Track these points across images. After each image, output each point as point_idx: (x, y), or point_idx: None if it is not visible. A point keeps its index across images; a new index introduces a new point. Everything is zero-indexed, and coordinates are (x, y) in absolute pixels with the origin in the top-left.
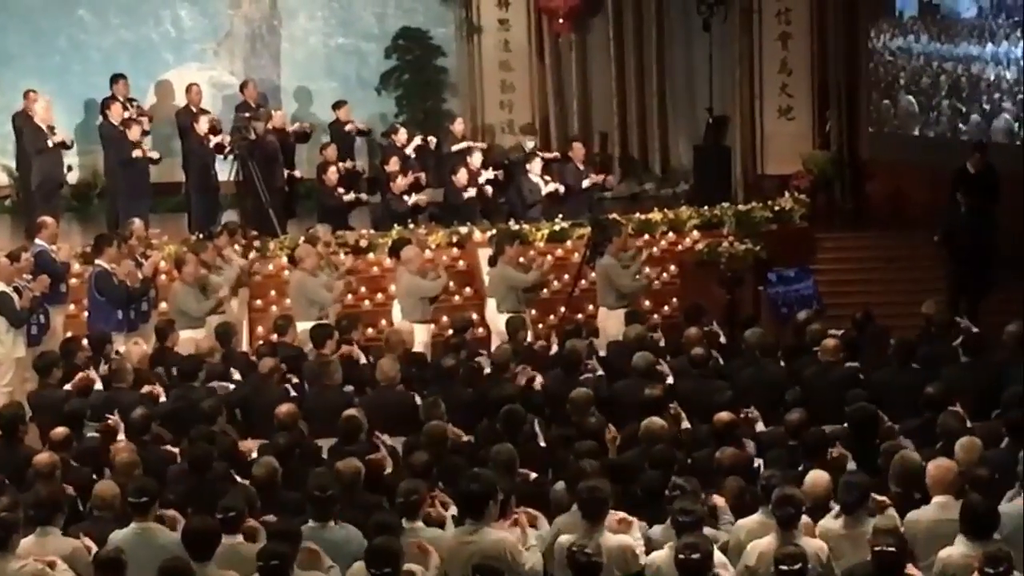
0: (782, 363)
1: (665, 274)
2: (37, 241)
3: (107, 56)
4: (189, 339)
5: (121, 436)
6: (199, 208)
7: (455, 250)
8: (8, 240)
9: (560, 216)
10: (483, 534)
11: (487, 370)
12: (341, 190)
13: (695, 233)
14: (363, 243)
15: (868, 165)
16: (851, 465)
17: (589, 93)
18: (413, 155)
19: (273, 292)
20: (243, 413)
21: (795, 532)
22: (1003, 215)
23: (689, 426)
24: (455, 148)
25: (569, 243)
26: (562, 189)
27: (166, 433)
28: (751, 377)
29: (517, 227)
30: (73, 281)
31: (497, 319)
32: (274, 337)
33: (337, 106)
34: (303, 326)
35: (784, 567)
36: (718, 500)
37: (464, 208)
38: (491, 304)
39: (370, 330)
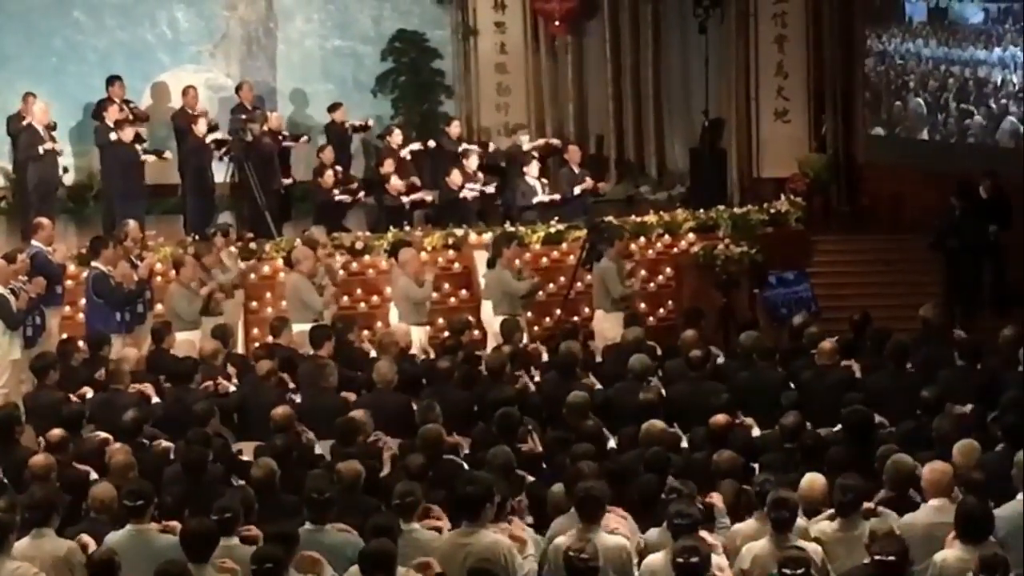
0: (779, 366)
1: (661, 277)
2: (33, 243)
3: (103, 58)
4: (185, 341)
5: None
6: (195, 210)
7: (451, 252)
8: (4, 242)
9: (556, 219)
10: (479, 536)
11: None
12: (337, 192)
13: (691, 236)
14: (359, 245)
15: (864, 168)
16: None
17: (585, 96)
18: (409, 158)
19: (269, 294)
20: (239, 415)
21: (790, 535)
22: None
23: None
24: (457, 148)
25: (565, 245)
26: (558, 197)
27: (161, 435)
28: (747, 380)
29: (513, 229)
30: (69, 283)
31: (493, 321)
32: (269, 339)
33: (333, 108)
34: (299, 328)
35: (788, 571)
36: (716, 499)
37: (460, 210)
38: (487, 306)
39: (366, 332)
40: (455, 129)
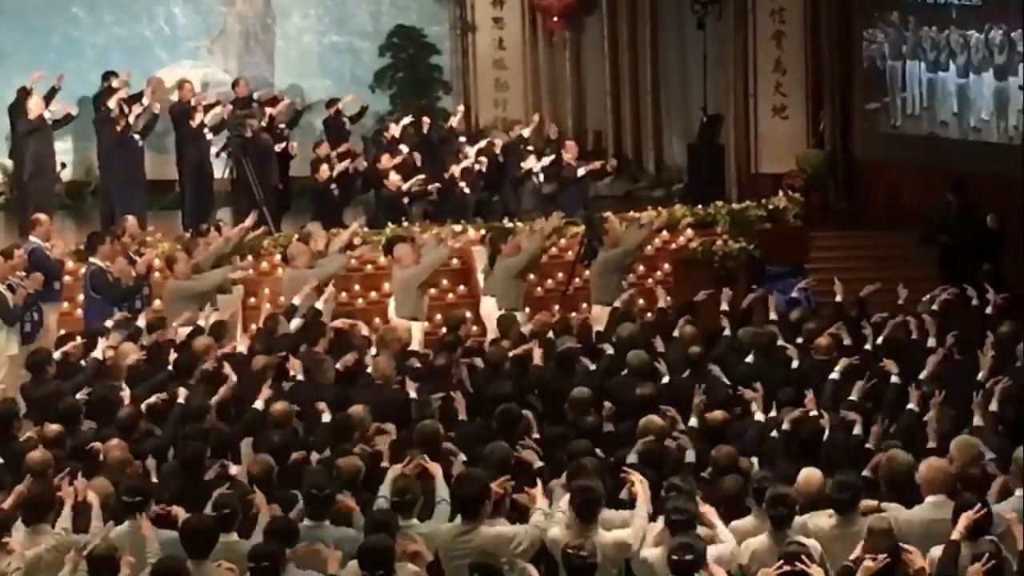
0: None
1: (659, 272)
2: (31, 238)
3: (101, 53)
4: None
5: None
6: (193, 205)
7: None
8: (2, 238)
9: (554, 214)
10: (477, 533)
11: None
12: (334, 187)
13: (689, 232)
14: (357, 241)
15: (862, 164)
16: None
17: (583, 91)
18: (405, 149)
19: (267, 290)
20: (236, 411)
21: (788, 532)
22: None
23: (683, 427)
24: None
25: (563, 241)
26: (554, 188)
27: (157, 429)
28: (746, 375)
29: (511, 225)
30: (67, 279)
31: (493, 317)
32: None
33: (330, 104)
34: (296, 324)
35: (788, 567)
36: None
37: (458, 205)
38: (486, 302)
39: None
40: (454, 123)
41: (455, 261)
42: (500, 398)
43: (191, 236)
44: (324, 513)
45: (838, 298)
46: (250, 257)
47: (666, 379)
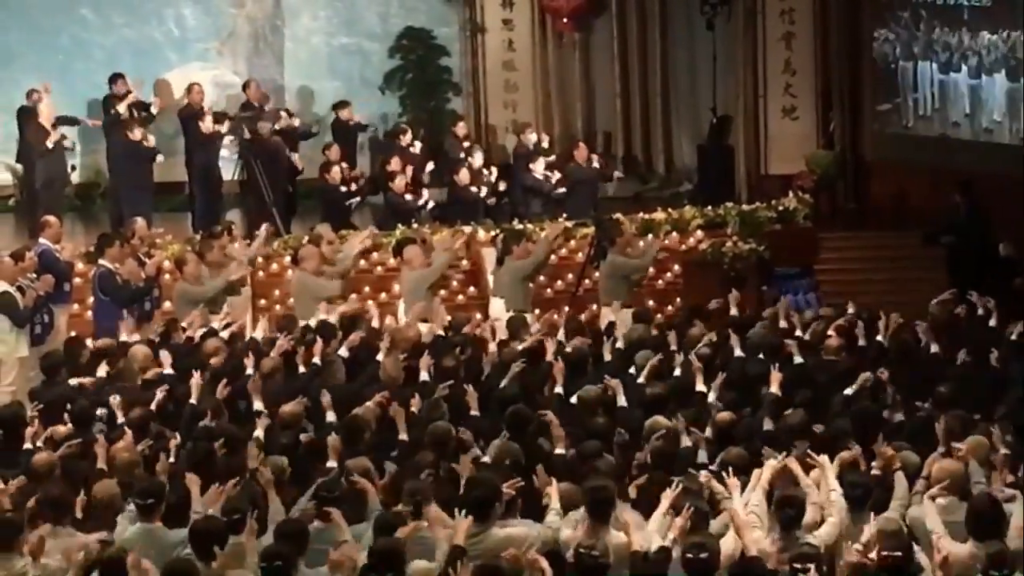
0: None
1: (668, 274)
2: (41, 240)
3: (110, 55)
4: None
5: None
6: (202, 207)
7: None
8: (12, 239)
9: (564, 215)
10: (488, 536)
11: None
12: (344, 189)
13: (699, 233)
14: (366, 243)
15: (871, 165)
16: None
17: (593, 93)
18: (418, 154)
19: (277, 292)
20: (247, 409)
21: (796, 533)
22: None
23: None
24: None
25: (573, 243)
26: (564, 190)
27: (167, 431)
28: (756, 376)
29: (521, 226)
30: (77, 280)
31: (503, 318)
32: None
33: (340, 106)
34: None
35: (798, 566)
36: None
37: (468, 208)
38: (495, 304)
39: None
40: (462, 129)
41: (465, 262)
42: (509, 399)
43: (203, 238)
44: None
45: (850, 309)
46: (260, 259)
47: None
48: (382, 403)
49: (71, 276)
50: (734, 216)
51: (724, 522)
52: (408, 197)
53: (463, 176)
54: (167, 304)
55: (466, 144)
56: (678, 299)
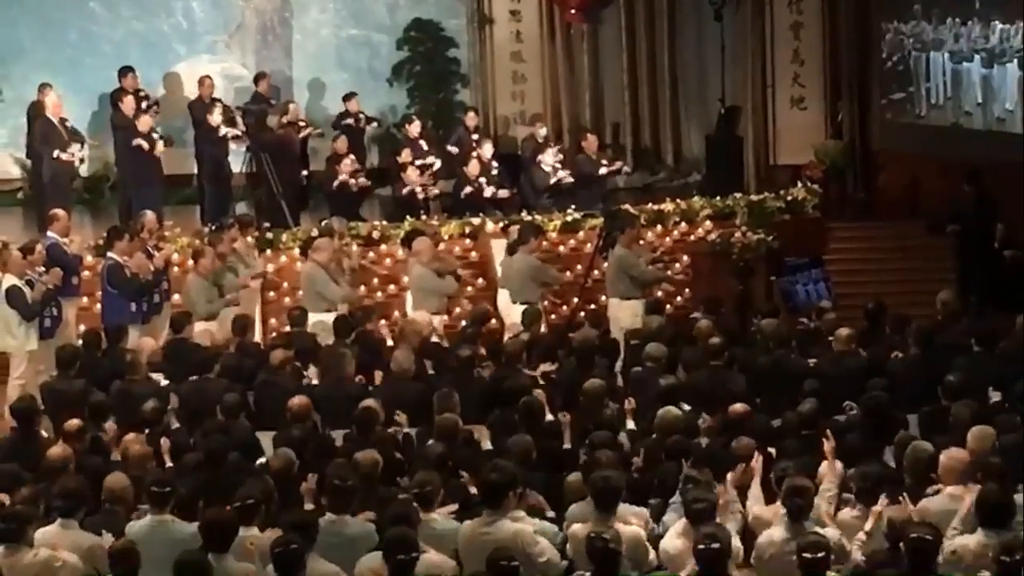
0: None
1: (677, 265)
2: (49, 234)
3: (118, 48)
4: (204, 331)
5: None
6: (211, 200)
7: (467, 241)
8: (20, 233)
9: (573, 207)
10: (500, 526)
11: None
12: (352, 182)
13: (707, 223)
14: (375, 235)
15: (880, 155)
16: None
17: (601, 83)
18: (425, 147)
19: (286, 284)
20: (256, 405)
21: (805, 523)
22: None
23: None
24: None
25: (582, 234)
26: (569, 179)
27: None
28: (765, 368)
29: (530, 218)
30: (86, 274)
31: (511, 310)
32: (286, 328)
33: (347, 98)
34: (315, 318)
35: (808, 555)
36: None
37: (476, 199)
38: (503, 295)
39: (383, 322)
40: (471, 120)
41: (473, 254)
42: (520, 390)
43: (215, 230)
44: (346, 506)
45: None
46: (268, 251)
47: None
48: None
49: (79, 269)
50: (743, 207)
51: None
52: (418, 189)
53: (473, 168)
54: (176, 297)
55: (475, 136)
56: (687, 290)
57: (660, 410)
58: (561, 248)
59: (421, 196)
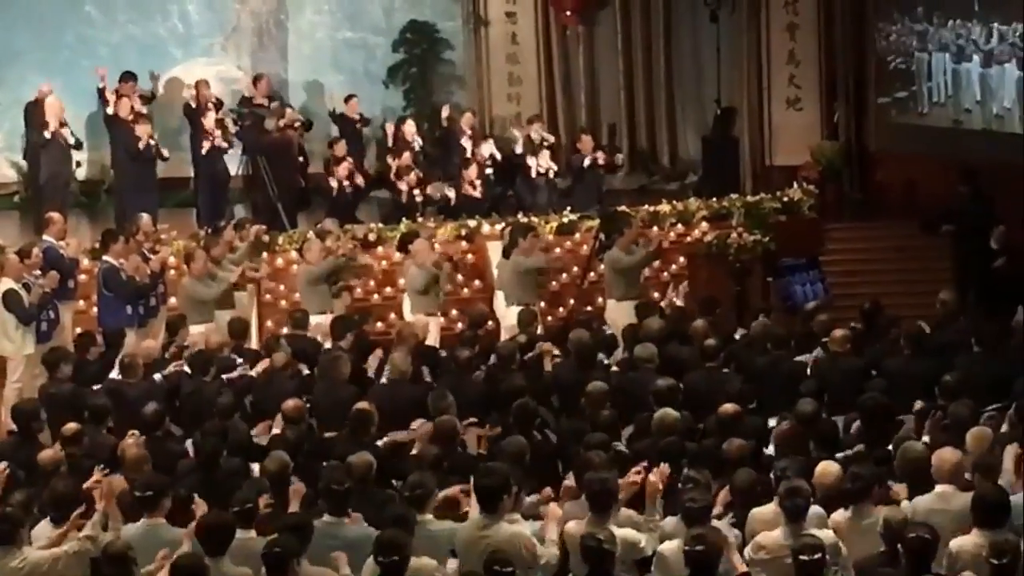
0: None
1: (674, 266)
2: (45, 237)
3: (114, 51)
4: (199, 334)
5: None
6: (207, 203)
7: (463, 243)
8: (17, 236)
9: (568, 208)
10: (498, 528)
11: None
12: (346, 184)
13: (704, 225)
14: (372, 237)
15: (876, 155)
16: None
17: (597, 85)
18: (419, 148)
19: (282, 287)
20: (252, 407)
21: (803, 524)
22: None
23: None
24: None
25: (578, 235)
26: (564, 179)
27: (176, 428)
28: (762, 368)
29: (526, 220)
30: (82, 277)
31: (506, 312)
32: (284, 330)
33: (346, 100)
34: (312, 320)
35: (804, 557)
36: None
37: (472, 201)
38: (500, 297)
39: (379, 324)
40: (468, 122)
41: (470, 256)
42: (515, 392)
43: (210, 233)
44: (344, 509)
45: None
46: (264, 254)
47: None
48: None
49: (76, 273)
50: (739, 208)
51: None
52: (415, 191)
53: (471, 171)
54: (172, 300)
55: (469, 134)
56: (683, 288)
57: (657, 412)
58: (557, 250)
59: (419, 199)
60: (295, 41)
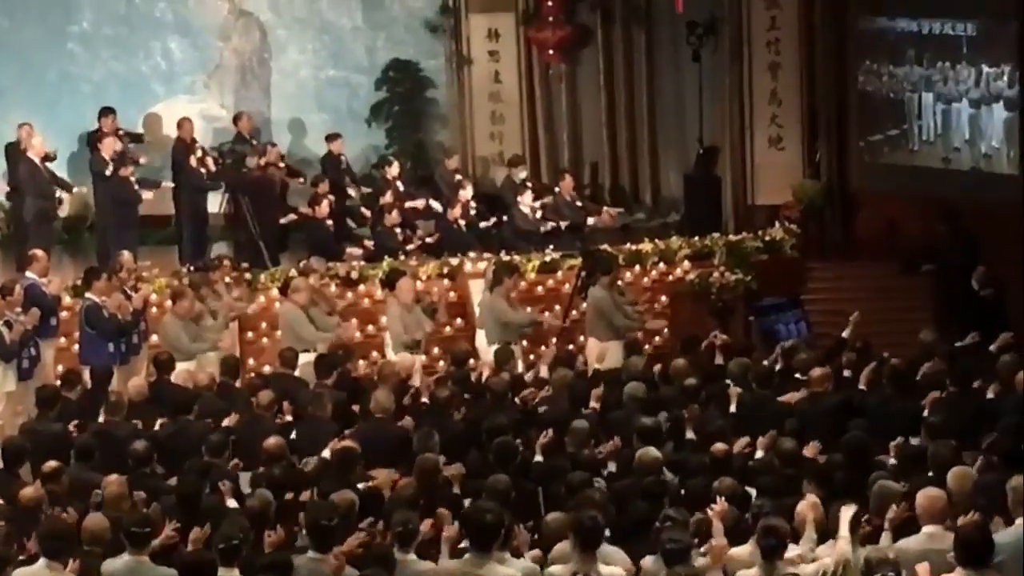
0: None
1: (656, 305)
2: (28, 274)
3: (97, 89)
4: (183, 371)
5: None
6: (190, 240)
7: (446, 281)
8: None
9: (551, 247)
10: (488, 569)
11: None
12: (331, 223)
13: (686, 263)
14: (354, 275)
15: (858, 195)
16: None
17: (579, 124)
18: (401, 187)
19: (264, 324)
20: (235, 446)
21: (779, 563)
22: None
23: None
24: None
25: (560, 274)
26: (554, 225)
27: (158, 467)
28: (745, 406)
29: (509, 258)
30: (64, 314)
31: (487, 350)
32: (267, 369)
33: (330, 139)
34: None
35: None
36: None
37: (457, 238)
38: (482, 335)
39: (362, 362)
40: (453, 163)
41: (452, 294)
42: (497, 430)
43: (196, 271)
44: (330, 545)
45: (845, 333)
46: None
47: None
48: None
49: (58, 310)
50: (721, 246)
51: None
52: (398, 231)
53: (457, 210)
54: (154, 338)
55: (457, 177)
56: (665, 330)
57: (639, 450)
58: (539, 288)
59: (401, 237)
60: (278, 79)
